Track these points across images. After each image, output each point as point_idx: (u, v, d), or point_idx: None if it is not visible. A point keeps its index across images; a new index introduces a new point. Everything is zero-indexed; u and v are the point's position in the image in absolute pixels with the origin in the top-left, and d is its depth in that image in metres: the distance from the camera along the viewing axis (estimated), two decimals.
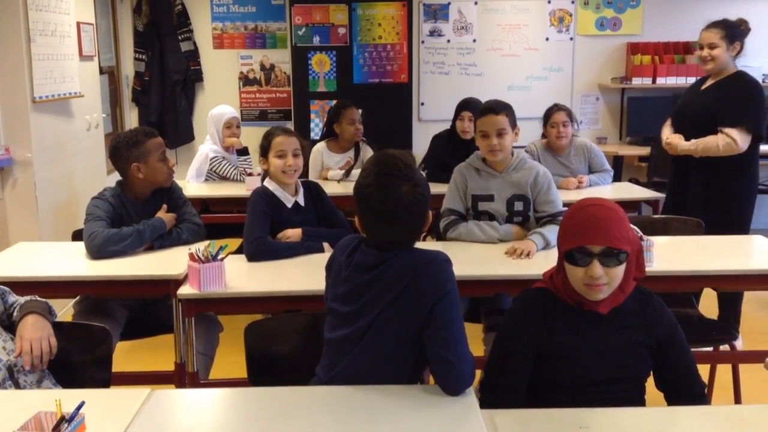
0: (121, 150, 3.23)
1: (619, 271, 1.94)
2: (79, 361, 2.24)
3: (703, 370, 3.32)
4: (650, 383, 2.11)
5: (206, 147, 5.00)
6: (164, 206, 3.32)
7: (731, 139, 3.84)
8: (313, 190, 3.37)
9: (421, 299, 1.91)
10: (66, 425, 1.57)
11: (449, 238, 3.30)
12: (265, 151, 3.28)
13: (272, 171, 3.25)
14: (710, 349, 3.29)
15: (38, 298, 2.26)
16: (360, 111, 5.02)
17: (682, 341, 2.07)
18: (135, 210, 3.26)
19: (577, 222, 1.96)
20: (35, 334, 2.11)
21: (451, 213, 3.34)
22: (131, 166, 3.22)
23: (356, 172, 4.80)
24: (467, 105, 4.88)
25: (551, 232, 3.13)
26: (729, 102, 3.94)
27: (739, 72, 4.08)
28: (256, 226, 3.10)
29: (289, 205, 3.25)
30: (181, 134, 6.73)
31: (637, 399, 2.06)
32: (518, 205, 3.29)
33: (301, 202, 3.29)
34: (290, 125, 6.61)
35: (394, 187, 1.93)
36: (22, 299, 2.25)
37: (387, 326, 1.94)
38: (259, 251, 3.06)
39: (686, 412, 1.91)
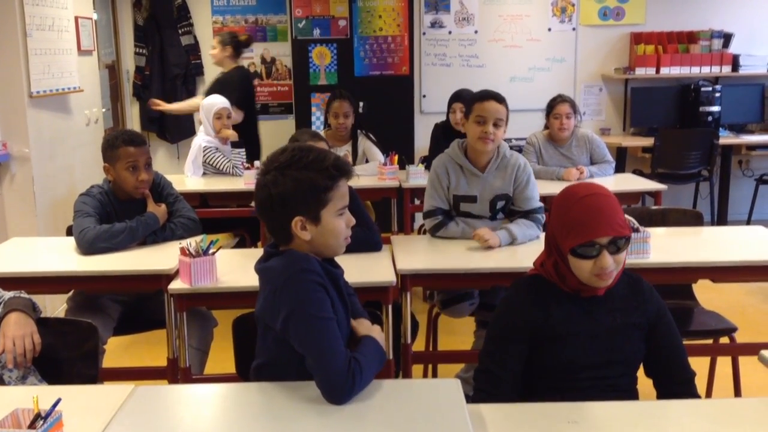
0: (102, 146, 3.24)
1: (624, 255, 1.95)
2: (66, 357, 2.22)
3: (703, 362, 3.29)
4: (645, 381, 2.08)
5: (199, 138, 4.95)
6: (150, 200, 3.26)
7: None
8: None
9: (277, 312, 1.84)
10: (41, 422, 1.54)
11: (440, 235, 3.22)
12: None
13: None
14: (710, 341, 3.25)
15: (23, 295, 2.24)
16: (349, 102, 4.90)
17: (671, 324, 2.07)
18: (122, 208, 3.23)
19: (580, 215, 1.92)
20: (18, 332, 2.09)
21: (438, 211, 3.21)
22: (103, 166, 3.21)
23: (356, 168, 4.78)
24: (459, 97, 4.84)
25: (519, 227, 3.09)
26: None
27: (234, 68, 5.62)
28: None
29: None
30: (182, 128, 6.72)
31: (629, 387, 2.06)
32: (500, 204, 3.20)
33: None
34: (291, 119, 6.59)
35: (263, 172, 1.90)
36: (6, 295, 2.23)
37: (267, 331, 1.92)
38: None
39: (679, 406, 1.87)
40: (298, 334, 1.81)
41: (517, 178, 3.16)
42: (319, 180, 1.87)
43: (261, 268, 1.94)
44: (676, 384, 2.03)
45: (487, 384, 2.01)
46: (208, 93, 5.50)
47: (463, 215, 3.23)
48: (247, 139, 5.29)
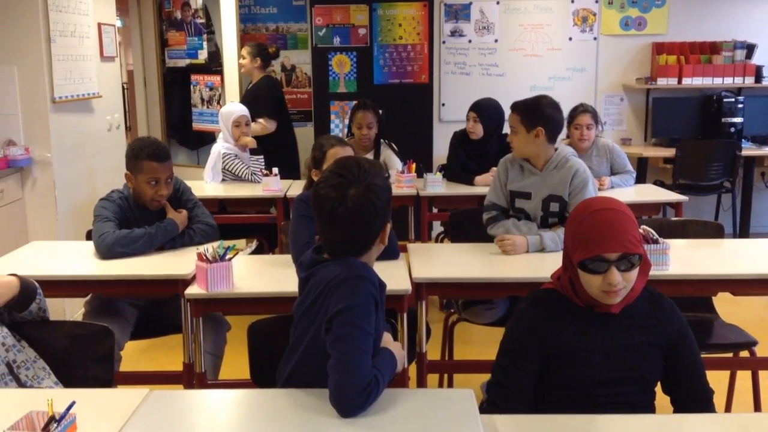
0: (126, 154, 3.25)
1: (635, 273, 1.91)
2: (82, 360, 2.23)
3: (723, 376, 3.25)
4: (662, 395, 2.05)
5: (218, 145, 4.99)
6: (169, 207, 3.27)
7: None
8: None
9: (326, 310, 1.85)
10: (55, 425, 1.55)
11: (490, 233, 3.29)
12: (319, 162, 3.17)
13: None
14: (730, 355, 3.20)
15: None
16: (373, 113, 4.89)
17: (692, 344, 2.02)
18: (141, 213, 3.25)
19: (589, 229, 1.90)
20: None
21: (494, 207, 3.33)
22: (125, 173, 3.24)
23: None
24: (475, 106, 4.83)
25: (554, 237, 3.13)
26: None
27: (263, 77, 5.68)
28: (302, 231, 2.97)
29: None
30: (203, 135, 6.75)
31: (646, 403, 2.02)
32: (554, 206, 3.22)
33: None
34: (311, 126, 6.61)
35: (340, 187, 1.88)
36: None
37: (306, 333, 1.92)
38: None
39: (696, 420, 1.85)
40: (335, 333, 1.81)
41: (573, 183, 3.18)
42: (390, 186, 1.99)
43: (312, 272, 1.95)
44: (693, 403, 1.99)
45: (499, 397, 1.99)
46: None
47: (517, 211, 3.29)
48: (284, 145, 5.38)
